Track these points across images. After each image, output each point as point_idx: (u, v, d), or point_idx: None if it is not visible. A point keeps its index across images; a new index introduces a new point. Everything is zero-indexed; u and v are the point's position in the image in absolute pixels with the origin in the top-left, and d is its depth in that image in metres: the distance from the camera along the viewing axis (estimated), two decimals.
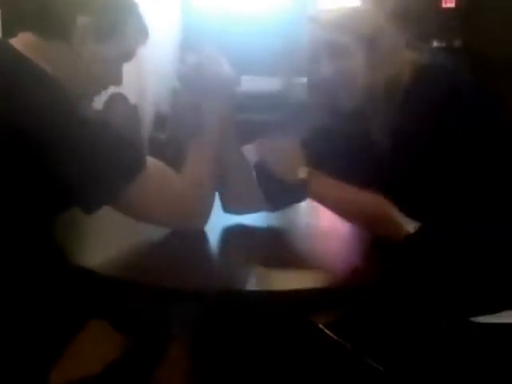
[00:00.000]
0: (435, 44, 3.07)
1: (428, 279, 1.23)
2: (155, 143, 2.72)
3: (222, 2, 3.34)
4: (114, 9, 1.25)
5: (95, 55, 1.24)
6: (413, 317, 1.23)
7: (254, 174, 1.52)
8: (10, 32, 1.25)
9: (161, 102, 3.05)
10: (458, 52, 3.07)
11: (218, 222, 1.47)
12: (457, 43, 3.15)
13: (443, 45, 3.10)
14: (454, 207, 1.23)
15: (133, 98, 2.81)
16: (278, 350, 1.41)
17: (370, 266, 1.26)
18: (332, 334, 1.30)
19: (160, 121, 2.99)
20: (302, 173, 1.40)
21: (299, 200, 1.51)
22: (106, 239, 1.44)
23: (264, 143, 1.54)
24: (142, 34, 1.31)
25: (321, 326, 1.32)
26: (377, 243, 1.31)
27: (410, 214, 1.27)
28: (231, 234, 1.50)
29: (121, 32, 1.26)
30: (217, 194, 1.47)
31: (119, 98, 2.46)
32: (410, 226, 1.25)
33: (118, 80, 1.32)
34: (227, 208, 1.52)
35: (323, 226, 1.43)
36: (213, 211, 1.40)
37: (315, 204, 1.46)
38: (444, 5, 3.21)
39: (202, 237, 1.40)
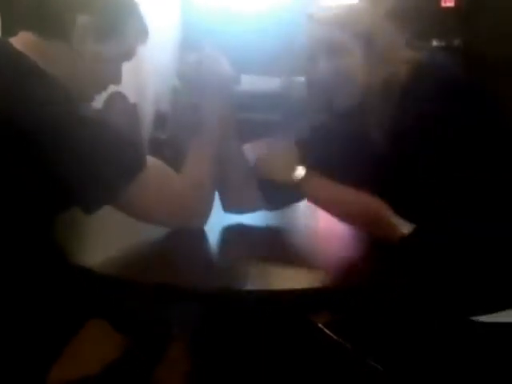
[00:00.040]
0: (434, 43, 3.06)
1: (426, 279, 1.23)
2: (155, 142, 2.72)
3: (222, 1, 3.33)
4: (114, 8, 1.25)
5: (95, 55, 1.24)
6: (412, 316, 1.23)
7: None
8: (9, 31, 1.25)
9: (161, 101, 3.05)
10: (457, 51, 3.06)
11: (218, 221, 1.47)
12: (456, 42, 3.15)
13: (442, 44, 3.09)
14: (450, 207, 1.23)
15: (132, 97, 2.80)
16: (277, 349, 1.41)
17: (368, 266, 1.26)
18: (331, 334, 1.30)
19: (160, 120, 2.99)
20: (298, 174, 1.40)
21: (297, 200, 1.51)
22: (106, 239, 1.44)
23: (260, 144, 1.54)
24: (142, 33, 1.30)
25: (320, 325, 1.32)
26: (375, 242, 1.31)
27: (405, 214, 1.27)
28: (231, 234, 1.50)
29: (121, 32, 1.26)
30: (217, 193, 1.47)
31: (119, 97, 2.46)
32: (405, 228, 1.25)
33: (117, 79, 1.32)
34: (227, 207, 1.52)
35: (322, 225, 1.43)
36: (213, 211, 1.40)
37: None
38: (443, 4, 3.21)
39: (202, 236, 1.40)
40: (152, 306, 1.26)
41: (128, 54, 1.31)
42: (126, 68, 1.33)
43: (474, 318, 1.21)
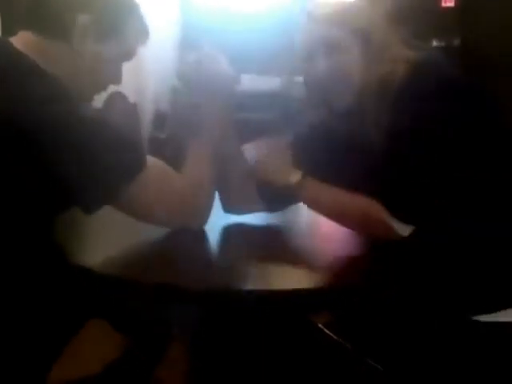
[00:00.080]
0: (434, 43, 3.06)
1: (426, 278, 1.23)
2: (155, 142, 2.71)
3: (222, 1, 3.33)
4: (115, 8, 1.25)
5: (95, 55, 1.24)
6: (412, 316, 1.23)
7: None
8: (9, 31, 1.24)
9: (160, 100, 3.04)
10: (457, 51, 3.06)
11: (218, 221, 1.47)
12: (456, 42, 3.15)
13: (442, 44, 3.09)
14: (450, 207, 1.23)
15: (132, 97, 2.79)
16: (277, 349, 1.41)
17: (368, 265, 1.26)
18: (331, 334, 1.30)
19: (160, 119, 2.98)
20: (294, 178, 1.40)
21: (295, 202, 1.51)
22: (106, 239, 1.44)
23: (260, 144, 1.54)
24: (143, 33, 1.30)
25: (320, 325, 1.32)
26: (375, 242, 1.31)
27: (403, 215, 1.26)
28: (231, 233, 1.50)
29: (121, 32, 1.26)
30: (217, 193, 1.47)
31: (118, 97, 2.45)
32: (404, 231, 1.25)
33: (117, 79, 1.32)
34: (227, 208, 1.52)
35: (322, 225, 1.43)
36: (213, 211, 1.40)
37: None
38: (443, 4, 3.21)
39: (202, 236, 1.40)
40: (152, 306, 1.26)
41: (128, 54, 1.31)
42: (126, 68, 1.33)
43: (474, 318, 1.21)
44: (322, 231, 1.53)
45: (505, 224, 1.26)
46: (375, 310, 1.26)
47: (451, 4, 3.20)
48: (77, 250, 1.33)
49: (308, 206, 1.42)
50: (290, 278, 1.25)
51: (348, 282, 1.21)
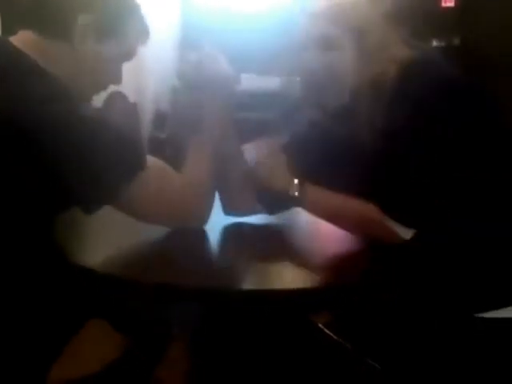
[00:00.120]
0: (434, 43, 3.06)
1: (426, 278, 1.23)
2: (155, 142, 2.71)
3: (222, 1, 3.33)
4: (115, 8, 1.25)
5: (96, 54, 1.24)
6: (412, 315, 1.23)
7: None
8: (9, 30, 1.24)
9: (160, 100, 3.04)
10: (457, 51, 3.06)
11: (218, 220, 1.47)
12: (456, 42, 3.15)
13: (442, 44, 3.09)
14: (449, 207, 1.23)
15: (132, 97, 2.79)
16: (277, 349, 1.41)
17: (369, 265, 1.26)
18: (331, 334, 1.30)
19: (160, 119, 2.99)
20: (295, 188, 1.40)
21: (294, 207, 1.50)
22: (106, 238, 1.44)
23: (260, 144, 1.54)
24: (143, 33, 1.30)
25: (320, 325, 1.32)
26: (376, 242, 1.31)
27: (399, 216, 1.26)
28: (231, 233, 1.50)
29: (121, 32, 1.26)
30: (217, 194, 1.47)
31: (118, 97, 2.46)
32: (405, 234, 1.25)
33: (117, 79, 1.32)
34: (227, 209, 1.52)
35: (322, 224, 1.43)
36: (213, 211, 1.40)
37: None
38: (443, 4, 3.21)
39: (202, 236, 1.40)
40: (152, 306, 1.26)
41: (128, 54, 1.31)
42: (126, 67, 1.33)
43: (477, 315, 1.21)
44: (321, 231, 1.52)
45: (505, 224, 1.25)
46: (375, 309, 1.26)
47: (451, 4, 3.19)
48: (77, 250, 1.33)
49: (307, 211, 1.42)
50: (290, 278, 1.25)
51: (348, 282, 1.22)
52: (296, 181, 1.39)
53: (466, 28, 3.14)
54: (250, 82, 2.46)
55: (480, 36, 3.06)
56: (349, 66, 1.35)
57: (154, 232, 1.37)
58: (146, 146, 2.52)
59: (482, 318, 1.21)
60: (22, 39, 1.21)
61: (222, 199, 1.51)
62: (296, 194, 1.39)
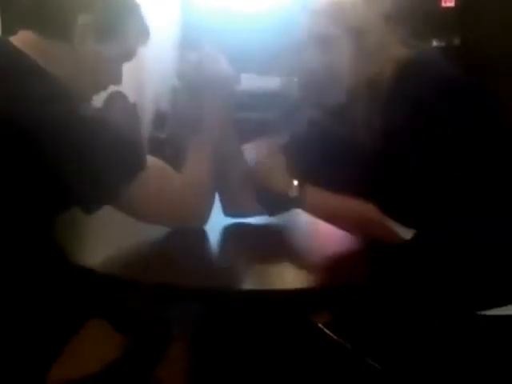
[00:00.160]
0: (434, 43, 3.06)
1: (426, 277, 1.23)
2: (155, 142, 2.72)
3: (222, 1, 3.33)
4: (116, 8, 1.24)
5: (96, 54, 1.24)
6: (412, 315, 1.23)
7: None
8: (9, 30, 1.24)
9: (160, 100, 3.04)
10: (457, 51, 3.06)
11: (218, 220, 1.47)
12: (456, 42, 3.15)
13: (442, 44, 3.09)
14: (449, 207, 1.23)
15: (132, 97, 2.80)
16: (277, 349, 1.41)
17: (369, 265, 1.26)
18: (331, 334, 1.30)
19: (160, 119, 2.99)
20: (294, 189, 1.40)
21: (294, 208, 1.50)
22: (106, 238, 1.44)
23: (260, 144, 1.54)
24: (143, 34, 1.30)
25: (320, 325, 1.32)
26: (375, 242, 1.31)
27: (399, 216, 1.26)
28: (231, 233, 1.50)
29: (122, 32, 1.26)
30: (217, 195, 1.47)
31: (118, 96, 2.46)
32: (406, 234, 1.25)
33: (117, 80, 1.32)
34: (227, 211, 1.52)
35: (323, 224, 1.43)
36: (213, 210, 1.40)
37: None
38: (443, 4, 3.21)
39: (202, 236, 1.40)
40: (152, 306, 1.26)
41: (128, 55, 1.31)
42: (126, 67, 1.33)
43: (479, 312, 1.21)
44: (321, 231, 1.52)
45: (505, 224, 1.25)
46: (375, 309, 1.26)
47: (451, 4, 3.20)
48: (77, 250, 1.33)
49: (307, 213, 1.43)
50: (290, 278, 1.25)
51: (348, 282, 1.22)
52: (296, 182, 1.39)
53: (466, 28, 3.14)
54: (250, 81, 2.46)
55: (480, 36, 3.06)
56: (348, 65, 1.35)
57: (154, 232, 1.37)
58: (146, 146, 2.52)
59: (485, 316, 1.21)
60: (22, 39, 1.21)
61: (221, 200, 1.51)
62: (295, 195, 1.39)
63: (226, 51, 1.45)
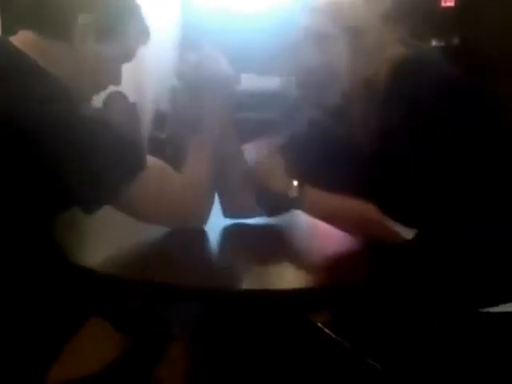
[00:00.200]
0: (434, 43, 3.06)
1: (426, 277, 1.23)
2: (155, 142, 2.72)
3: (222, 1, 3.33)
4: (116, 8, 1.24)
5: (96, 55, 1.24)
6: (412, 315, 1.23)
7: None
8: (9, 30, 1.24)
9: (160, 100, 3.04)
10: (457, 51, 3.06)
11: (218, 221, 1.47)
12: (456, 42, 3.15)
13: (442, 44, 3.09)
14: (449, 207, 1.23)
15: (132, 96, 2.80)
16: (277, 348, 1.41)
17: (369, 264, 1.26)
18: (331, 333, 1.30)
19: (159, 119, 2.99)
20: (294, 190, 1.40)
21: (293, 209, 1.50)
22: (106, 238, 1.44)
23: (260, 144, 1.54)
24: (143, 34, 1.30)
25: (320, 324, 1.32)
26: (375, 242, 1.31)
27: (398, 216, 1.26)
28: (231, 233, 1.50)
29: (122, 32, 1.26)
30: (217, 195, 1.47)
31: (118, 97, 2.46)
32: (407, 234, 1.25)
33: (117, 80, 1.32)
34: (227, 212, 1.52)
35: (322, 224, 1.43)
36: (213, 210, 1.40)
37: None
38: (443, 4, 3.21)
39: (202, 236, 1.40)
40: (152, 305, 1.26)
41: (128, 55, 1.31)
42: (126, 67, 1.33)
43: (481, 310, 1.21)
44: (321, 231, 1.52)
45: (505, 224, 1.26)
46: (375, 309, 1.26)
47: (451, 4, 3.19)
48: (77, 250, 1.33)
49: (306, 213, 1.43)
50: (290, 278, 1.25)
51: (347, 282, 1.22)
52: (295, 182, 1.39)
53: (465, 28, 3.14)
54: (250, 82, 2.45)
55: (480, 36, 3.06)
56: (347, 65, 1.35)
57: (154, 232, 1.37)
58: (146, 146, 2.52)
59: (487, 313, 1.21)
60: (22, 39, 1.21)
61: (221, 202, 1.51)
62: (295, 195, 1.39)
63: (226, 51, 1.45)
